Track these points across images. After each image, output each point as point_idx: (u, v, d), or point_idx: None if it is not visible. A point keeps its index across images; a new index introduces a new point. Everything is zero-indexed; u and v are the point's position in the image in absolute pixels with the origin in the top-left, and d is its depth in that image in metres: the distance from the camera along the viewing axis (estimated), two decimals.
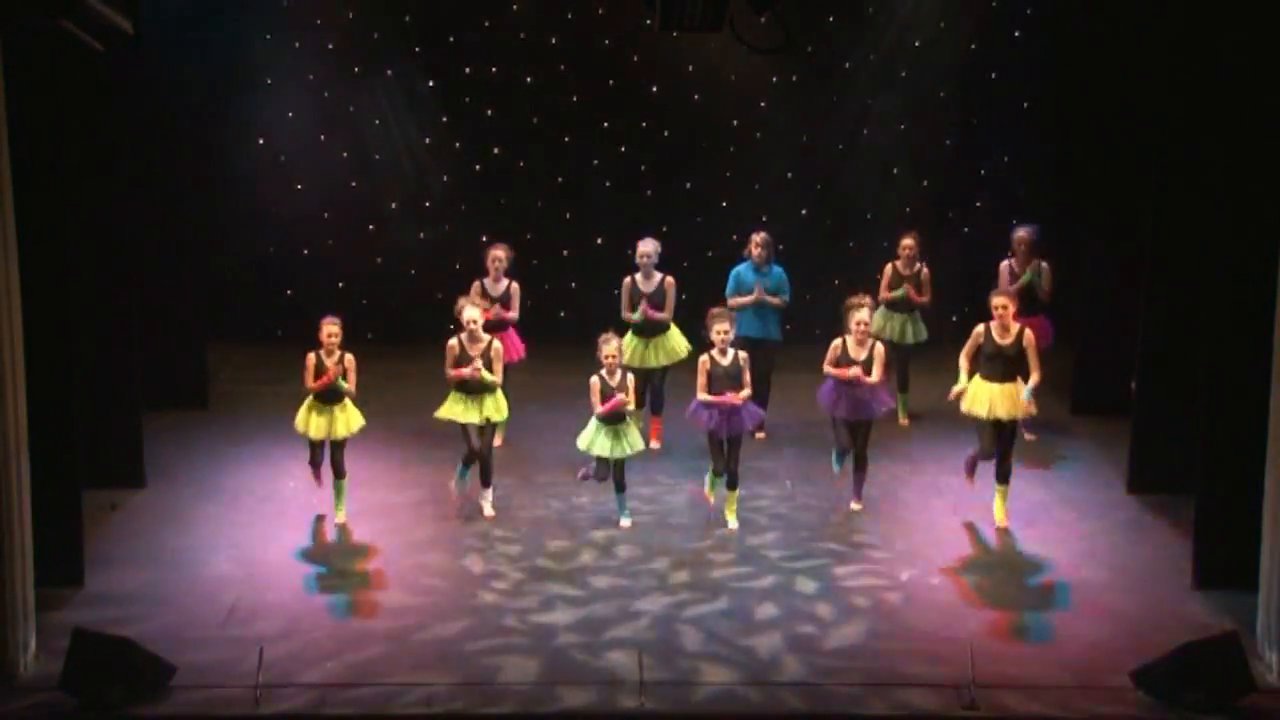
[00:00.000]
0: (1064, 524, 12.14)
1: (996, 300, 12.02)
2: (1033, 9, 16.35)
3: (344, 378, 11.94)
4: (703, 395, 11.99)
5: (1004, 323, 11.93)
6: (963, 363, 12.07)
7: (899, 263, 13.99)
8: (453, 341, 12.17)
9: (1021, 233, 13.71)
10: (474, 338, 12.12)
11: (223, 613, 10.46)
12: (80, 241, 11.25)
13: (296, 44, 16.22)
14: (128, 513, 12.21)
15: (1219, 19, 10.80)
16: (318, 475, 12.26)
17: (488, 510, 12.33)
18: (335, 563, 11.44)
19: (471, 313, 12.19)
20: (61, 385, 10.53)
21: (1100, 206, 14.21)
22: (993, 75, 16.51)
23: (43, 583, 10.10)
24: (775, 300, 13.66)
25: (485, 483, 12.32)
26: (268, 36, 16.12)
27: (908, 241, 13.98)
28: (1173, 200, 12.02)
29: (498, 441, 13.47)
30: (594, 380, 11.91)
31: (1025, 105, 16.54)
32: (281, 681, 9.45)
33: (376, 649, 9.98)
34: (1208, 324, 10.79)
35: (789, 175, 16.75)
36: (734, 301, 13.51)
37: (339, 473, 12.10)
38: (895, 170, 16.80)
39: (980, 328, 12.03)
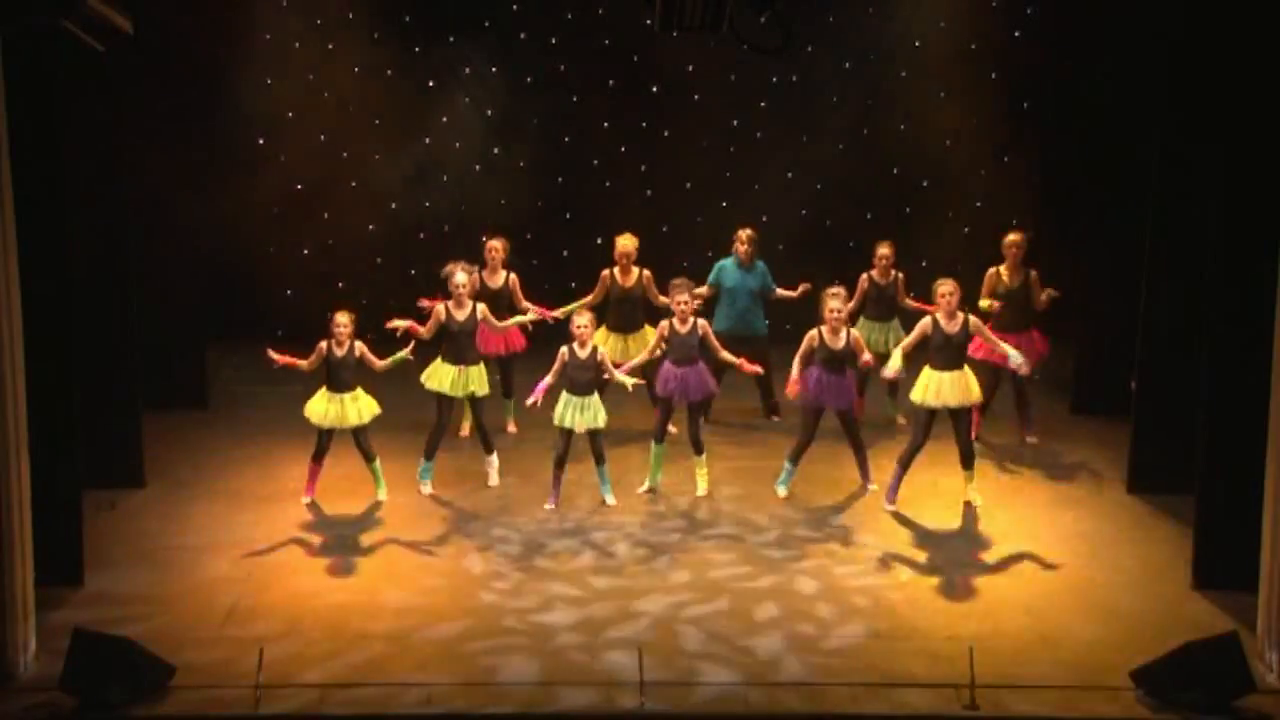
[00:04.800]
0: (1064, 524, 12.15)
1: (942, 288, 12.12)
2: (1033, 9, 16.36)
3: (360, 366, 12.23)
4: (643, 359, 12.62)
5: (949, 310, 12.08)
6: (897, 353, 12.28)
7: (875, 271, 14.00)
8: (439, 307, 12.49)
9: (1013, 237, 13.70)
10: (459, 302, 12.44)
11: (223, 613, 10.47)
12: (80, 241, 11.25)
13: (296, 44, 16.23)
14: (128, 513, 12.21)
15: (1219, 18, 10.80)
16: (314, 475, 12.32)
17: (493, 479, 12.81)
18: (336, 562, 11.43)
19: (460, 277, 12.50)
20: (61, 385, 10.53)
21: (1100, 207, 14.21)
22: (993, 75, 16.52)
23: (43, 583, 10.10)
24: (776, 293, 14.11)
25: (488, 450, 12.87)
26: (267, 36, 16.13)
27: (883, 250, 14.02)
28: (1173, 200, 12.02)
29: (511, 428, 13.96)
30: (562, 350, 12.26)
31: (1025, 105, 16.55)
32: (281, 681, 9.46)
33: (376, 649, 9.98)
34: (1208, 324, 10.80)
35: (789, 175, 16.76)
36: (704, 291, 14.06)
37: (368, 457, 12.35)
38: (895, 170, 16.82)
39: (927, 320, 12.18)
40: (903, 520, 12.18)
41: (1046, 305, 13.71)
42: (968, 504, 12.35)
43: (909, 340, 12.32)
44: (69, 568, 10.74)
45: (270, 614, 10.46)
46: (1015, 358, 12.27)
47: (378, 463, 12.39)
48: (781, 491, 12.65)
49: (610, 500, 12.44)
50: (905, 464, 12.31)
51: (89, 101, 11.78)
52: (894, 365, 12.20)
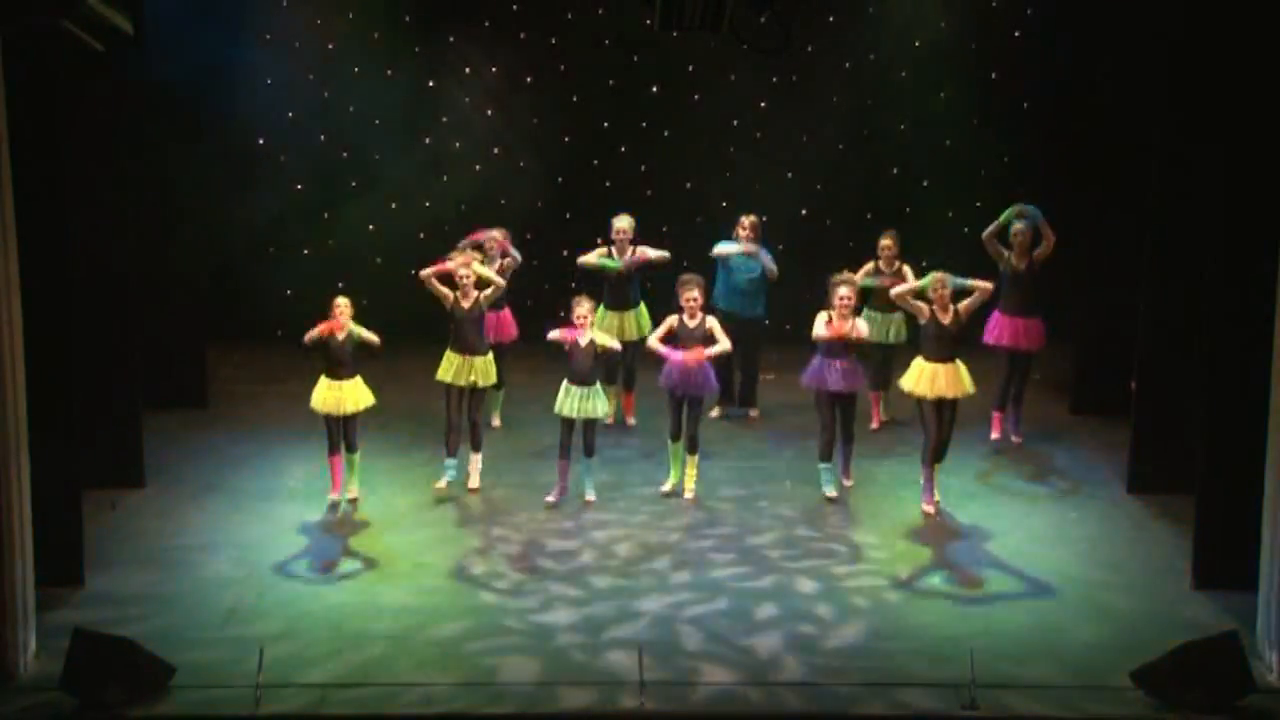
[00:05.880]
0: (1064, 524, 12.15)
1: (935, 281, 12.24)
2: (1033, 9, 16.35)
3: (359, 351, 12.24)
4: (653, 341, 12.53)
5: (942, 303, 12.17)
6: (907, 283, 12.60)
7: (880, 263, 14.02)
8: (448, 292, 12.58)
9: (1018, 225, 13.71)
10: (465, 293, 12.48)
11: (223, 613, 10.47)
12: (80, 241, 11.25)
13: (296, 44, 16.22)
14: (128, 513, 12.21)
15: (1219, 18, 10.81)
16: (337, 469, 12.30)
17: (474, 481, 12.64)
18: (336, 562, 11.44)
19: (465, 270, 12.52)
20: (61, 385, 10.53)
21: (1100, 206, 14.21)
22: (993, 75, 16.51)
23: (43, 583, 10.11)
24: (768, 265, 14.06)
25: (475, 448, 12.69)
26: (268, 36, 16.12)
27: (886, 241, 14.02)
28: (1173, 200, 12.02)
29: (495, 423, 13.80)
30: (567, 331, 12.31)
31: (1025, 105, 16.55)
32: (281, 681, 9.45)
33: (376, 649, 9.98)
34: (1208, 324, 10.80)
35: (789, 175, 16.76)
36: (719, 250, 14.02)
37: (351, 447, 12.30)
38: (895, 170, 16.81)
39: (924, 305, 12.27)
40: (902, 520, 12.17)
41: (1046, 253, 13.58)
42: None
43: (908, 287, 12.42)
44: (69, 568, 10.74)
45: (270, 614, 10.46)
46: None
47: (357, 455, 12.35)
48: (830, 491, 12.52)
49: (590, 496, 12.42)
50: (929, 461, 12.28)
51: (89, 101, 11.77)
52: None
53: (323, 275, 16.43)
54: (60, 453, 10.49)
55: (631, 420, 14.14)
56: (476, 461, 12.76)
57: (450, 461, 12.57)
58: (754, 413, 14.50)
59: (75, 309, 10.82)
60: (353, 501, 12.33)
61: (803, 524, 12.14)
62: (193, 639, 10.02)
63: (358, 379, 12.29)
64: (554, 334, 12.31)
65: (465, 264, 12.55)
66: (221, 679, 9.51)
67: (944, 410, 12.25)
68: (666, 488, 12.64)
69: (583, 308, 12.36)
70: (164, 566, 11.22)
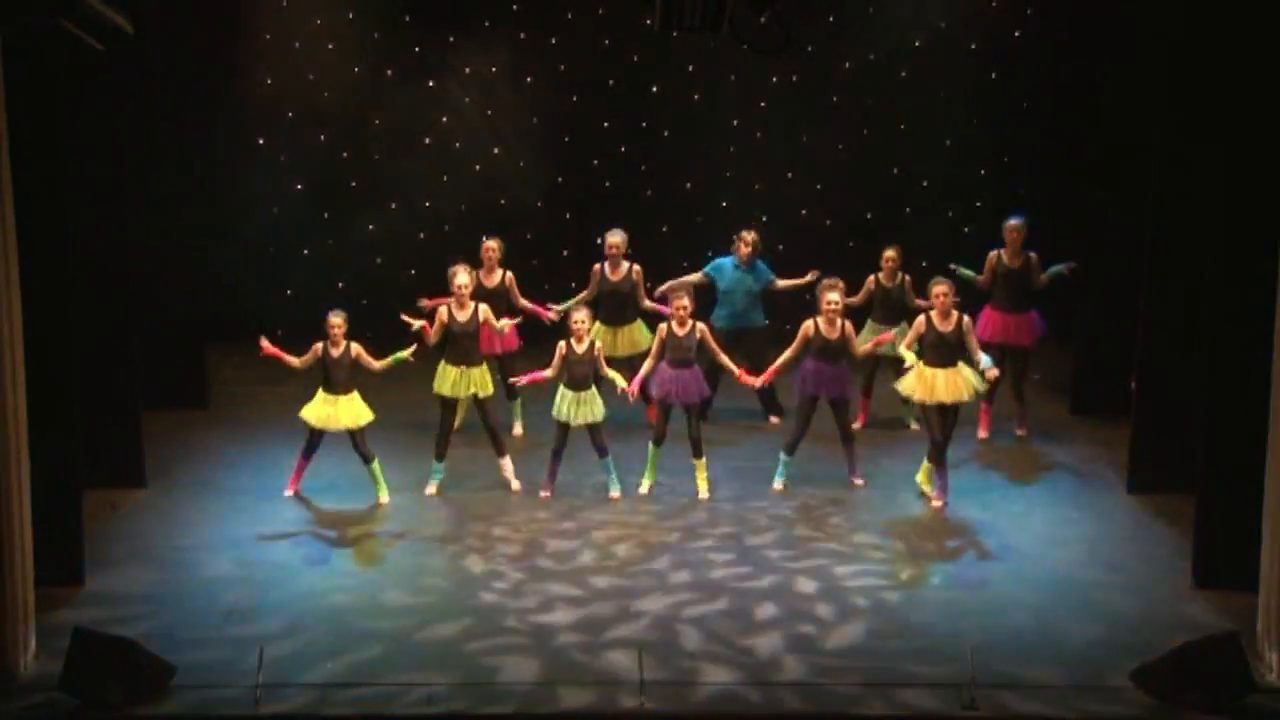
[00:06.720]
0: (1064, 524, 12.15)
1: (937, 289, 12.33)
2: (1033, 9, 16.36)
3: (356, 367, 12.25)
4: (648, 366, 12.63)
5: (944, 310, 12.24)
6: (903, 350, 12.43)
7: (881, 275, 14.01)
8: (442, 309, 12.57)
9: (1012, 223, 13.74)
10: (461, 303, 12.49)
11: (223, 613, 10.47)
12: (80, 241, 11.24)
13: (296, 44, 16.23)
14: (128, 513, 12.21)
15: (1219, 18, 10.81)
16: (300, 470, 12.41)
17: (514, 484, 12.74)
18: (336, 562, 11.44)
19: (462, 278, 12.56)
20: (61, 385, 10.53)
21: (1100, 206, 14.22)
22: (993, 75, 16.52)
23: (43, 583, 10.10)
24: (778, 284, 14.20)
25: (500, 453, 12.79)
26: (268, 36, 16.13)
27: (890, 254, 14.00)
28: (1173, 200, 12.02)
29: (517, 430, 13.96)
30: (560, 344, 12.39)
31: (1025, 105, 16.55)
32: (281, 681, 9.45)
33: (376, 649, 9.98)
34: (1208, 324, 10.80)
35: (789, 175, 16.77)
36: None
37: (366, 458, 12.36)
38: (895, 170, 16.82)
39: (921, 318, 12.39)
40: (902, 520, 12.18)
41: (1046, 284, 13.72)
42: (923, 494, 12.45)
43: (909, 339, 12.42)
44: (69, 568, 10.73)
45: (270, 614, 10.46)
46: (986, 361, 12.27)
47: (376, 464, 12.39)
48: (778, 484, 12.69)
49: (615, 493, 12.49)
50: (940, 461, 12.34)
51: (89, 101, 11.78)
52: (910, 360, 12.30)
53: (323, 275, 16.49)
54: (60, 453, 10.49)
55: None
56: (507, 464, 12.78)
57: (437, 466, 12.60)
58: (775, 419, 14.45)
59: (75, 309, 10.81)
60: (378, 504, 12.39)
61: (803, 524, 12.14)
62: (193, 639, 10.02)
63: (354, 394, 12.29)
64: (523, 380, 12.49)
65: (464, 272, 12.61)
66: (221, 679, 9.50)
67: (946, 414, 12.30)
68: (644, 489, 12.66)
69: (581, 314, 12.43)
70: (164, 566, 11.23)
